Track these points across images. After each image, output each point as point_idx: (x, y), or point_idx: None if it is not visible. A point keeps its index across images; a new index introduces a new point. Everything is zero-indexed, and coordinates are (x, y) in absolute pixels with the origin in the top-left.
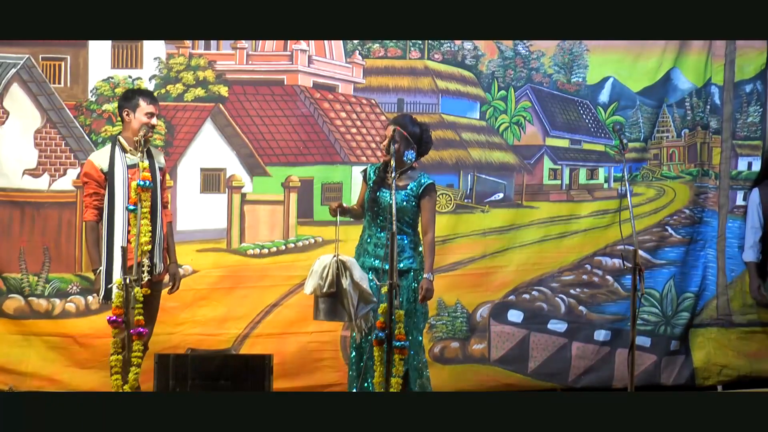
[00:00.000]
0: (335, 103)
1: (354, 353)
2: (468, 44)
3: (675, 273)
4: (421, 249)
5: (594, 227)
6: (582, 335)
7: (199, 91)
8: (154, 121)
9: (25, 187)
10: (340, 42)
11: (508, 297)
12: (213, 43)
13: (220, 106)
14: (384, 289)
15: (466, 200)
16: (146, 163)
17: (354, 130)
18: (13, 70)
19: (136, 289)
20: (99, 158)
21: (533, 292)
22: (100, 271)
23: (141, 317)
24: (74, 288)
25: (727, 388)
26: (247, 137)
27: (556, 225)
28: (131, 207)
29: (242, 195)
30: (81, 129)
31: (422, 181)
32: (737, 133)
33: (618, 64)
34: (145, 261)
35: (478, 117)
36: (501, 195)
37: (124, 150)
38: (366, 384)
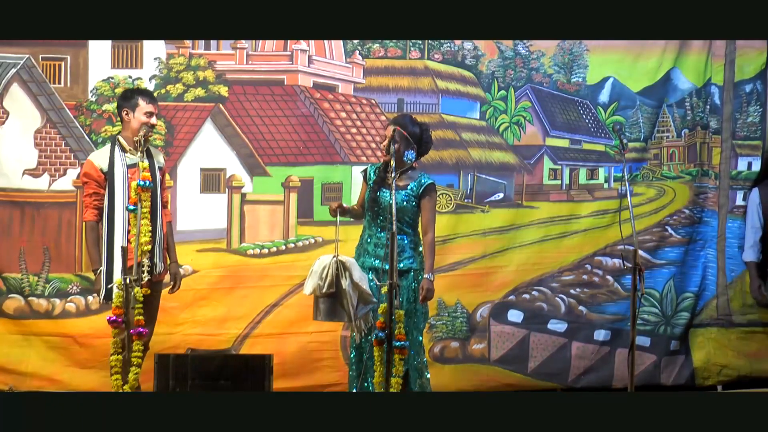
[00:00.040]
0: (335, 103)
1: (354, 353)
2: (468, 44)
3: (675, 273)
4: (421, 249)
5: (594, 227)
6: (582, 335)
7: (199, 91)
8: (153, 120)
9: (25, 187)
10: (340, 42)
11: (508, 297)
12: (213, 43)
13: (220, 106)
14: (384, 289)
15: (466, 200)
16: (146, 163)
17: (354, 130)
18: (13, 70)
19: (136, 289)
20: (98, 158)
21: (533, 292)
22: (101, 271)
23: (141, 317)
24: (74, 288)
25: (727, 388)
26: (247, 137)
27: (556, 225)
28: (131, 207)
29: (242, 195)
30: (81, 129)
31: (422, 181)
32: (737, 133)
33: (618, 64)
34: (145, 261)
35: (478, 117)
36: (501, 195)
37: (123, 150)
38: (366, 384)
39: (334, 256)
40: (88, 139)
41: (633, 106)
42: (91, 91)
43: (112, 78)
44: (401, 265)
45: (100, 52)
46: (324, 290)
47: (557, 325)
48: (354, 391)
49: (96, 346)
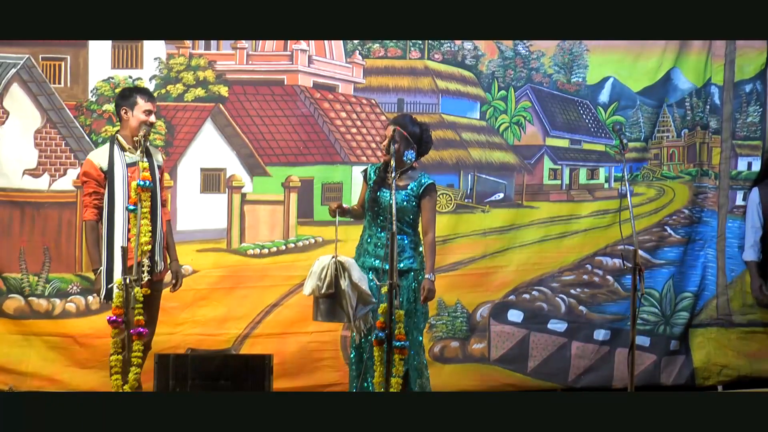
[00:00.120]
0: (335, 103)
1: (354, 353)
2: (468, 44)
3: (674, 273)
4: (421, 249)
5: (594, 227)
6: (582, 335)
7: (200, 91)
8: (152, 118)
9: (25, 187)
10: (340, 42)
11: (509, 297)
12: (213, 43)
13: (220, 106)
14: (384, 289)
15: (466, 200)
16: (146, 162)
17: (354, 130)
18: (13, 70)
19: (136, 289)
20: (98, 157)
21: (533, 292)
22: (101, 270)
23: (141, 317)
24: (74, 288)
25: (727, 388)
26: (247, 137)
27: (556, 225)
28: (131, 207)
29: (242, 195)
30: (81, 129)
31: (422, 181)
32: (737, 133)
33: (618, 64)
34: (145, 261)
35: (478, 117)
36: (501, 195)
37: (122, 148)
38: (366, 384)
39: (333, 257)
40: (88, 139)
41: (633, 106)
42: (91, 91)
43: (113, 78)
44: (401, 265)
45: (100, 52)
46: (323, 291)
47: (557, 325)
48: (354, 390)
49: (96, 346)
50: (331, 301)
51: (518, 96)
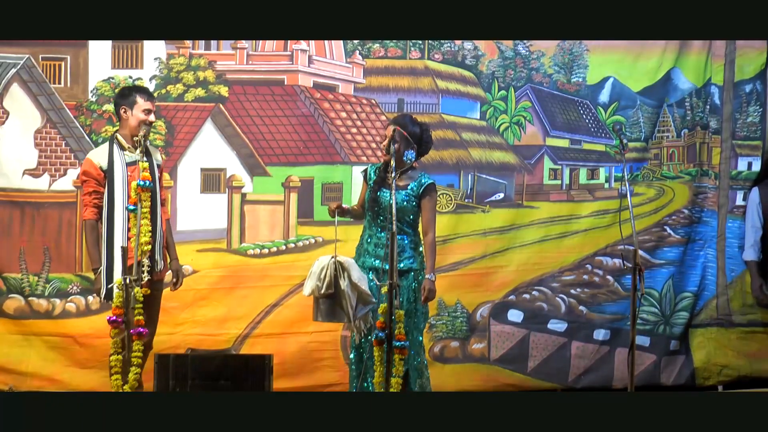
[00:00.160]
0: (335, 103)
1: (354, 353)
2: (468, 44)
3: (673, 273)
4: (421, 249)
5: (594, 227)
6: (581, 334)
7: (200, 91)
8: (151, 118)
9: (25, 187)
10: (341, 42)
11: (509, 297)
12: (213, 43)
13: (221, 106)
14: (384, 289)
15: (466, 200)
16: (146, 162)
17: (354, 130)
18: (13, 70)
19: (136, 289)
20: (98, 156)
21: (533, 292)
22: (101, 270)
23: (141, 317)
24: (74, 288)
25: (728, 388)
26: (248, 137)
27: (556, 225)
28: (131, 207)
29: (242, 195)
30: (81, 129)
31: (423, 181)
32: (737, 133)
33: (618, 64)
34: (145, 261)
35: (478, 117)
36: (501, 195)
37: (122, 147)
38: (366, 384)
39: (333, 257)
40: (88, 139)
41: (633, 106)
42: (91, 91)
43: (113, 78)
44: (401, 265)
45: (100, 52)
46: (322, 291)
47: (557, 325)
48: (354, 390)
49: (96, 346)
50: (331, 302)
51: (518, 96)
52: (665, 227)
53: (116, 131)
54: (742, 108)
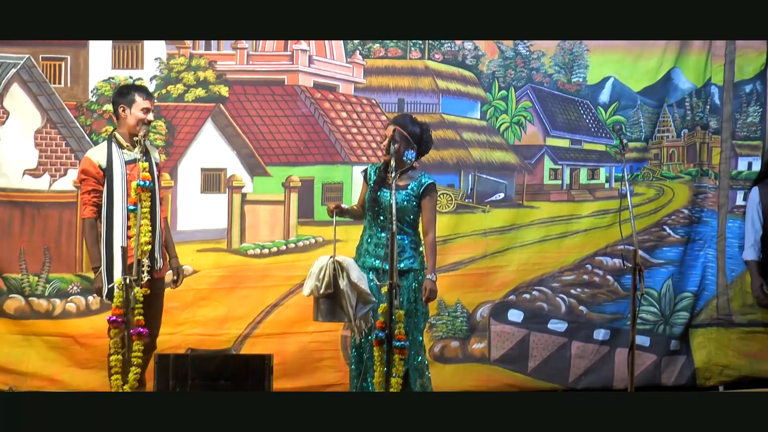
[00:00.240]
0: (336, 103)
1: (354, 352)
2: (468, 44)
3: (673, 272)
4: (421, 249)
5: (595, 227)
6: (582, 334)
7: (200, 92)
8: (150, 116)
9: (26, 187)
10: (341, 42)
11: (509, 297)
12: (213, 43)
13: (221, 106)
14: (384, 289)
15: (466, 200)
16: (146, 162)
17: (354, 130)
18: (14, 70)
19: (136, 289)
20: (96, 155)
21: (534, 292)
22: (101, 269)
23: (141, 317)
24: (74, 288)
25: (728, 388)
26: (248, 137)
27: (556, 225)
28: (131, 207)
29: (243, 195)
30: (81, 129)
31: (423, 180)
32: (737, 133)
33: (618, 64)
34: (145, 261)
35: (478, 117)
36: (502, 195)
37: (120, 146)
38: (366, 384)
39: (331, 257)
40: (88, 139)
41: (634, 105)
42: (91, 92)
43: (113, 78)
44: (401, 265)
45: (100, 52)
46: (322, 291)
47: (557, 325)
48: (354, 390)
49: (96, 346)
50: (331, 301)
51: (519, 96)
52: (665, 227)
53: (114, 130)
54: (742, 108)
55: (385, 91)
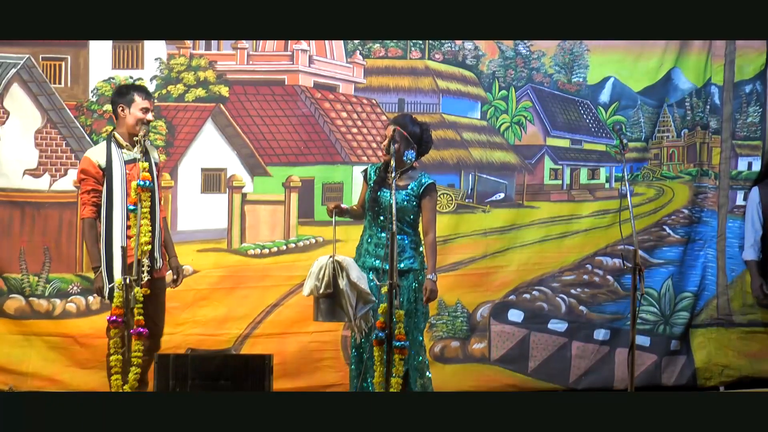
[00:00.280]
0: (336, 103)
1: (355, 352)
2: (469, 44)
3: (673, 272)
4: (422, 249)
5: (595, 227)
6: (582, 334)
7: (200, 92)
8: (149, 116)
9: (26, 187)
10: (341, 42)
11: (509, 297)
12: (214, 43)
13: (221, 106)
14: (384, 289)
15: (467, 200)
16: (146, 163)
17: (355, 130)
18: (14, 70)
19: (136, 289)
20: (96, 154)
21: (534, 292)
22: (101, 269)
23: (141, 317)
24: (75, 288)
25: (729, 388)
26: (248, 137)
27: (556, 225)
28: (131, 207)
29: (243, 195)
30: (82, 129)
31: (423, 180)
32: (737, 133)
33: (619, 64)
34: (145, 261)
35: (479, 117)
36: (502, 195)
37: (120, 146)
38: (366, 384)
39: (331, 257)
40: (88, 139)
41: (634, 105)
42: (91, 92)
43: (113, 78)
44: (401, 265)
45: (100, 52)
46: (321, 291)
47: (557, 325)
48: (354, 390)
49: (96, 346)
50: (331, 301)
51: (519, 96)
52: (664, 227)
53: (113, 129)
54: (742, 108)
55: (386, 91)
